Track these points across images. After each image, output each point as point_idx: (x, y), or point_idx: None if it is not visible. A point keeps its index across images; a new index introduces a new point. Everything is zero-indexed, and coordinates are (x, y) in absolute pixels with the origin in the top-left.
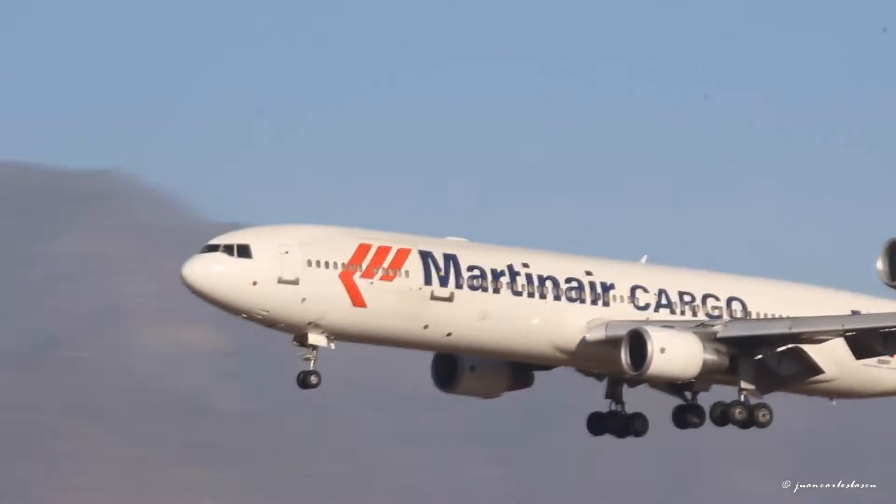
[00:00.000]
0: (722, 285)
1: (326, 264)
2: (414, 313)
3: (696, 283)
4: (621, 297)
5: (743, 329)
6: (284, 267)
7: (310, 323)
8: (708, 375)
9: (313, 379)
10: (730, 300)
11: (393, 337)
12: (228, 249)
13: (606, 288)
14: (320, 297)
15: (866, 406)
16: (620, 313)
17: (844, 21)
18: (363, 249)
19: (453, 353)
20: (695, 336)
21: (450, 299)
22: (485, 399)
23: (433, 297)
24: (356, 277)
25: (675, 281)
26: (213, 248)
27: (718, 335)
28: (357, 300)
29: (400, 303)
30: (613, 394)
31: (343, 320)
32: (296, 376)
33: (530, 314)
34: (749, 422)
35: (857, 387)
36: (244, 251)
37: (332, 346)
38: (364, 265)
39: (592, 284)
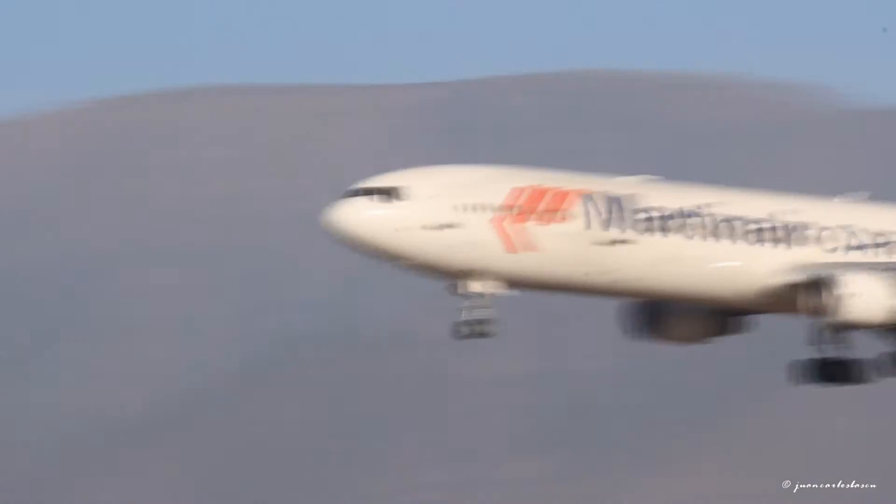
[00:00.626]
0: None
1: (476, 208)
2: (575, 259)
3: None
4: (813, 239)
5: None
6: (432, 212)
7: (463, 270)
8: None
9: (484, 328)
10: None
11: (555, 283)
12: (374, 194)
13: (797, 229)
14: (471, 244)
15: None
16: (811, 256)
17: None
18: (517, 192)
19: (628, 298)
20: (885, 279)
21: (614, 243)
22: (686, 345)
23: (595, 242)
24: (509, 222)
25: (873, 220)
26: (359, 193)
27: None
28: (510, 246)
29: (557, 248)
30: (821, 338)
31: (498, 267)
32: (455, 326)
33: (709, 258)
34: None
35: None
36: (390, 195)
37: (503, 292)
38: (517, 209)
39: (783, 226)
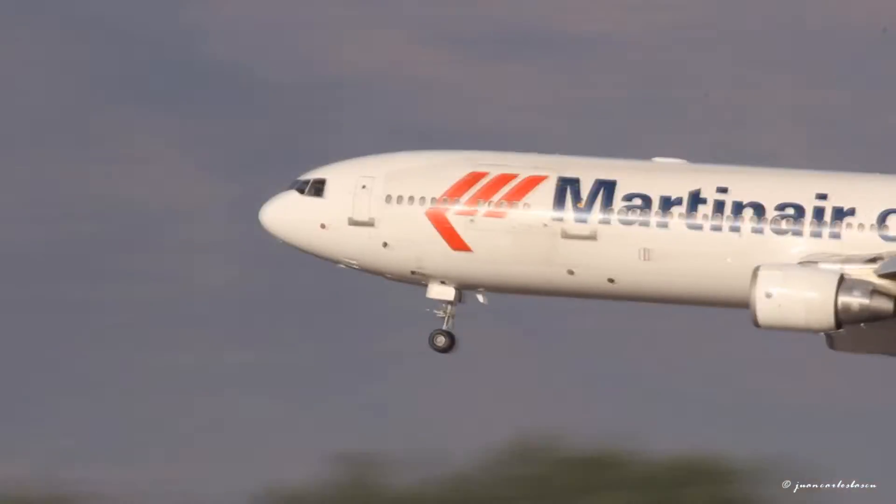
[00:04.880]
0: None
1: (411, 200)
2: (544, 256)
3: None
4: (861, 226)
5: None
6: (356, 205)
7: (413, 272)
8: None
9: (440, 340)
10: None
11: (527, 286)
12: (302, 187)
13: (842, 214)
14: (406, 241)
15: None
16: (855, 245)
17: None
18: (472, 179)
19: (627, 300)
20: (829, 277)
21: (591, 237)
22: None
23: (566, 236)
24: (451, 214)
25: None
26: (293, 186)
27: (879, 272)
28: (455, 242)
29: (517, 244)
30: None
31: (446, 267)
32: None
33: (714, 251)
34: None
35: None
36: (318, 188)
37: (482, 299)
38: (465, 199)
39: (820, 210)
